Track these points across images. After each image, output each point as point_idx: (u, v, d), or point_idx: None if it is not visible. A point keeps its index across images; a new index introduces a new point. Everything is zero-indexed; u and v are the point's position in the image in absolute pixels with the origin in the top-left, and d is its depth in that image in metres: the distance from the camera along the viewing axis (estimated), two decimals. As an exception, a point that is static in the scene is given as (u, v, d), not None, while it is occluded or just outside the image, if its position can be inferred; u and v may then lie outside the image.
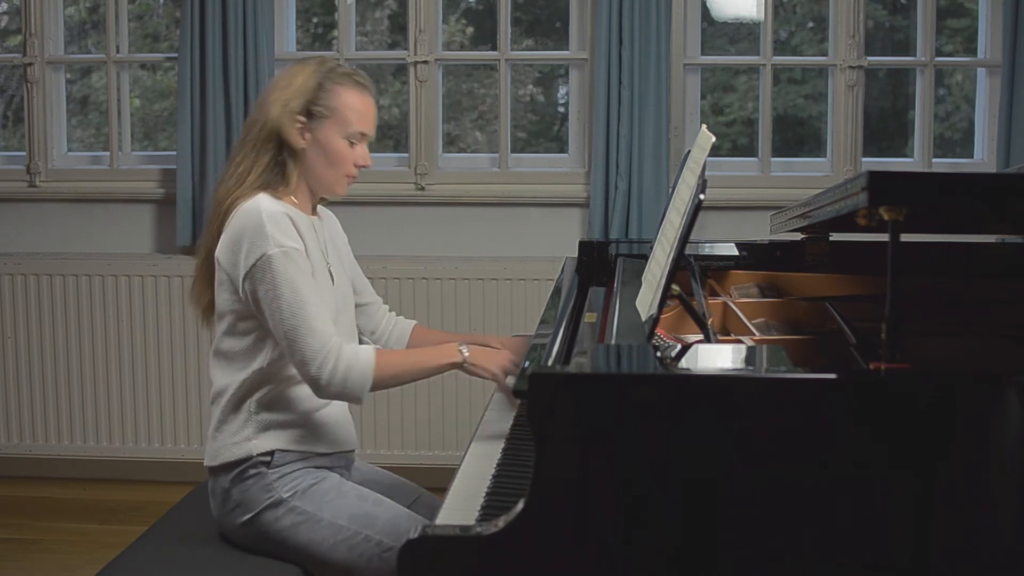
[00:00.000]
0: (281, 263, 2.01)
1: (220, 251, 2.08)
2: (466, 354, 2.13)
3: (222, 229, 2.09)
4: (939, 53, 4.03)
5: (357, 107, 2.14)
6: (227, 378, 2.12)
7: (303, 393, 2.11)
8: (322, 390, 2.03)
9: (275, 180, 2.12)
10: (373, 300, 2.41)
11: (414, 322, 2.46)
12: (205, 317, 2.21)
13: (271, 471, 2.09)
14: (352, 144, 2.14)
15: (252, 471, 2.09)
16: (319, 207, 2.28)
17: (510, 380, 2.13)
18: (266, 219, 2.03)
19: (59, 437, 4.03)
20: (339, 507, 2.08)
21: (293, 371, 2.08)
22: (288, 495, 2.08)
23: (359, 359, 2.03)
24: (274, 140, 2.11)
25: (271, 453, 2.09)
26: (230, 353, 2.11)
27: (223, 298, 2.10)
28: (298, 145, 2.11)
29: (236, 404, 2.11)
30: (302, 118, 2.11)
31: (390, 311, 2.45)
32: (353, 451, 2.26)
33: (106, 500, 3.90)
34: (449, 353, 2.13)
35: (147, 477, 4.04)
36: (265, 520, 2.08)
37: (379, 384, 2.06)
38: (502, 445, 2.08)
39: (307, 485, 2.10)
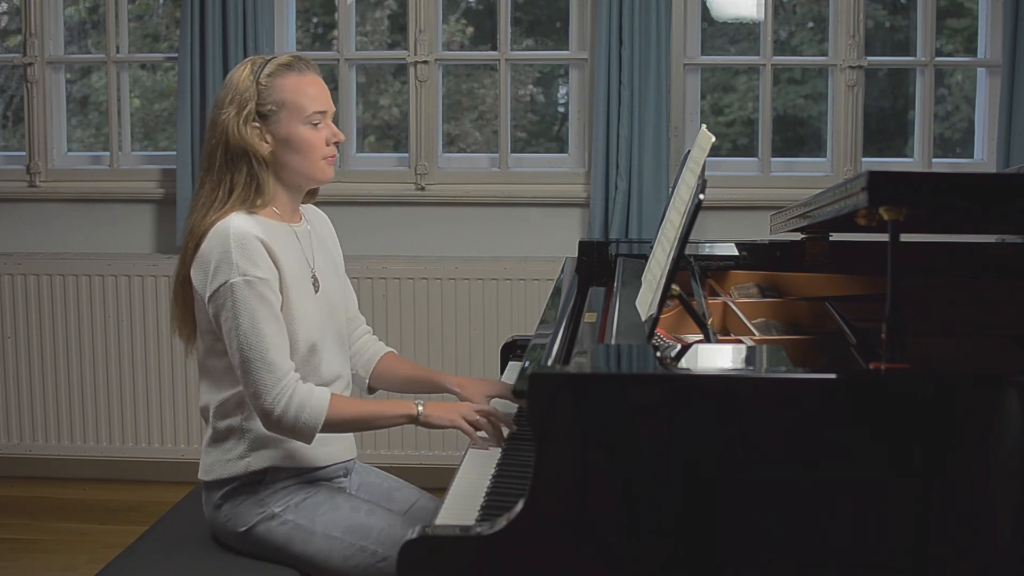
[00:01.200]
0: (242, 293, 1.97)
1: (193, 270, 2.05)
2: (420, 409, 2.07)
3: (195, 250, 2.04)
4: (939, 53, 4.03)
5: (303, 90, 2.07)
6: (212, 395, 2.10)
7: None
8: (272, 424, 1.99)
9: (252, 195, 2.06)
10: (354, 317, 2.35)
11: (388, 349, 2.38)
12: (190, 344, 2.17)
13: (264, 488, 2.08)
14: (316, 126, 2.08)
15: (245, 488, 2.08)
16: (309, 207, 2.24)
17: (483, 433, 2.08)
18: (234, 244, 1.98)
19: (59, 437, 4.03)
20: (332, 519, 2.06)
21: None
22: (280, 509, 2.06)
23: (312, 398, 2.00)
24: (243, 156, 2.04)
25: (264, 471, 2.08)
26: (214, 371, 2.09)
27: (201, 316, 2.08)
28: (264, 151, 2.06)
29: (225, 419, 2.09)
30: (256, 124, 2.06)
31: (371, 334, 2.39)
32: (351, 460, 2.23)
33: (106, 500, 3.90)
34: (404, 407, 2.08)
35: (147, 477, 4.03)
36: (258, 533, 2.07)
37: (330, 427, 2.02)
38: (502, 445, 2.08)
39: (299, 499, 2.08)
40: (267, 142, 2.07)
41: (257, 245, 2.00)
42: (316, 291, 2.13)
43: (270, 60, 2.10)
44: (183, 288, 2.11)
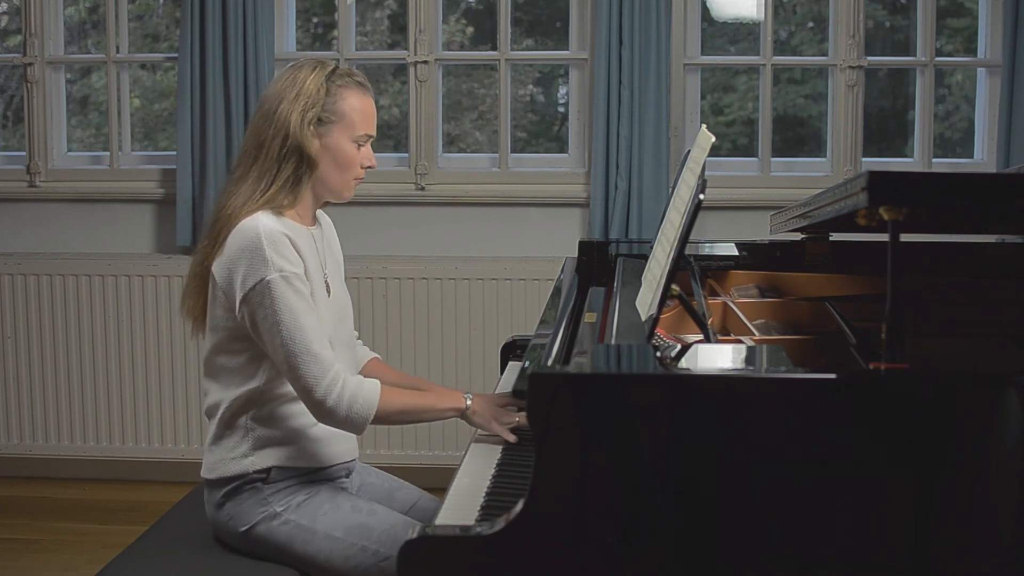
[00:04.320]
0: (280, 289, 1.98)
1: (217, 267, 2.05)
2: (469, 404, 2.11)
3: (222, 243, 2.05)
4: (939, 53, 4.03)
5: (362, 109, 2.11)
6: (220, 393, 2.10)
7: (300, 408, 2.07)
8: (326, 416, 2.00)
9: (287, 194, 2.08)
10: None
11: (373, 355, 2.40)
12: (197, 328, 2.17)
13: (267, 487, 2.08)
14: (359, 147, 2.12)
15: (247, 487, 2.08)
16: (318, 212, 2.25)
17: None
18: (265, 241, 1.99)
19: (59, 437, 4.03)
20: (334, 519, 2.06)
21: (290, 388, 2.05)
22: (282, 509, 2.07)
23: (364, 389, 2.02)
24: (295, 154, 2.07)
25: (268, 470, 2.08)
26: (224, 369, 2.09)
27: (217, 313, 2.07)
28: (316, 155, 2.08)
29: (231, 419, 2.09)
30: (312, 127, 2.08)
31: (358, 338, 2.39)
32: (353, 461, 2.23)
33: (106, 500, 3.90)
34: (453, 400, 2.12)
35: (147, 477, 4.04)
36: (259, 533, 2.07)
37: (381, 418, 2.03)
38: (502, 445, 2.09)
39: (301, 499, 2.08)
40: (314, 147, 2.09)
41: (286, 241, 2.02)
42: (328, 295, 2.14)
43: (337, 70, 2.12)
44: (204, 269, 2.10)
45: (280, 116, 2.07)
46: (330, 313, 2.12)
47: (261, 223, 2.02)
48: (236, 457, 2.08)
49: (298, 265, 2.03)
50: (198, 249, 2.14)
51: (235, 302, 2.02)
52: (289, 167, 2.07)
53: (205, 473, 2.12)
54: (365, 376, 2.31)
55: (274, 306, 1.98)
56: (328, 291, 2.14)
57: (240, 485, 2.08)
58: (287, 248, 2.02)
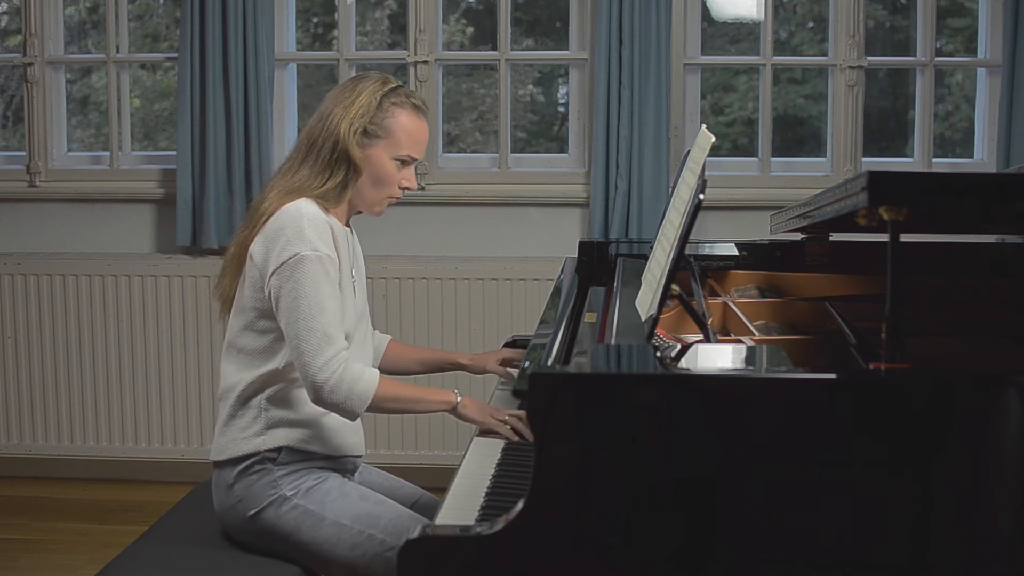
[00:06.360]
0: (312, 266, 2.03)
1: (255, 245, 2.10)
2: (459, 400, 2.17)
3: (262, 225, 2.10)
4: (939, 53, 4.03)
5: (410, 130, 2.16)
6: (239, 374, 2.13)
7: None
8: (323, 397, 2.03)
9: (334, 197, 2.14)
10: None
11: (389, 337, 2.48)
12: (224, 311, 2.22)
13: (277, 468, 2.10)
14: (400, 165, 2.17)
15: (258, 467, 2.10)
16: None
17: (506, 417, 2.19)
18: (307, 222, 2.05)
19: (59, 437, 4.03)
20: (342, 506, 2.08)
21: None
22: (291, 493, 2.08)
23: (364, 376, 2.05)
24: (345, 160, 2.13)
25: (279, 450, 2.10)
26: (246, 349, 2.12)
27: (247, 293, 2.11)
28: (360, 163, 2.13)
29: (247, 399, 2.12)
30: (357, 137, 2.13)
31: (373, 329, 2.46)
32: (360, 457, 2.26)
33: (106, 500, 3.90)
34: (444, 395, 2.18)
35: (147, 477, 4.04)
36: (267, 517, 2.08)
37: (376, 406, 2.08)
38: (502, 445, 2.09)
39: (310, 485, 2.10)
40: (357, 156, 2.14)
41: (327, 227, 2.09)
42: (354, 296, 2.19)
43: (399, 87, 2.20)
44: (243, 251, 2.14)
45: (332, 121, 2.14)
46: (354, 313, 2.16)
47: (305, 207, 2.08)
48: (248, 436, 2.10)
49: (333, 252, 2.08)
50: (237, 233, 2.20)
51: (267, 276, 2.06)
52: (340, 173, 2.14)
53: (215, 456, 2.14)
54: (389, 358, 2.44)
55: (302, 281, 2.03)
56: (354, 292, 2.19)
57: (251, 465, 2.10)
58: (327, 233, 2.08)
